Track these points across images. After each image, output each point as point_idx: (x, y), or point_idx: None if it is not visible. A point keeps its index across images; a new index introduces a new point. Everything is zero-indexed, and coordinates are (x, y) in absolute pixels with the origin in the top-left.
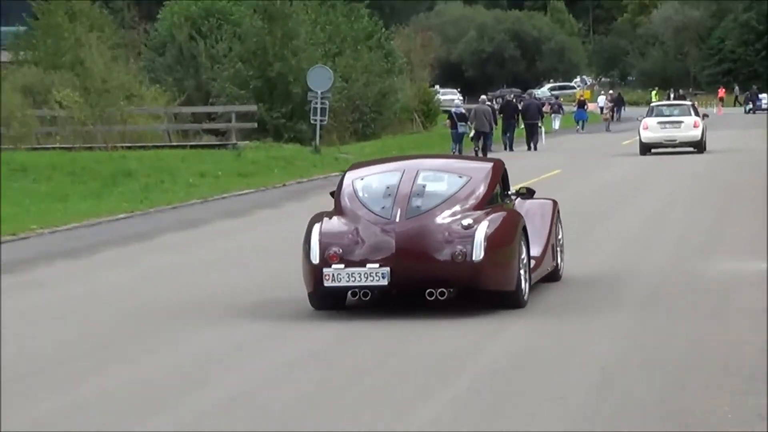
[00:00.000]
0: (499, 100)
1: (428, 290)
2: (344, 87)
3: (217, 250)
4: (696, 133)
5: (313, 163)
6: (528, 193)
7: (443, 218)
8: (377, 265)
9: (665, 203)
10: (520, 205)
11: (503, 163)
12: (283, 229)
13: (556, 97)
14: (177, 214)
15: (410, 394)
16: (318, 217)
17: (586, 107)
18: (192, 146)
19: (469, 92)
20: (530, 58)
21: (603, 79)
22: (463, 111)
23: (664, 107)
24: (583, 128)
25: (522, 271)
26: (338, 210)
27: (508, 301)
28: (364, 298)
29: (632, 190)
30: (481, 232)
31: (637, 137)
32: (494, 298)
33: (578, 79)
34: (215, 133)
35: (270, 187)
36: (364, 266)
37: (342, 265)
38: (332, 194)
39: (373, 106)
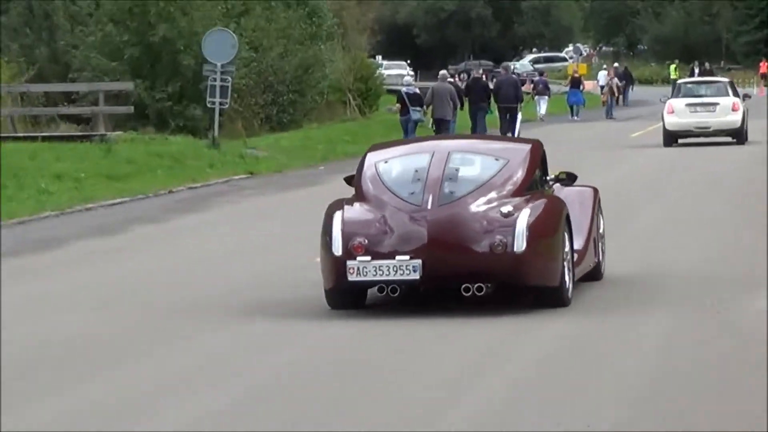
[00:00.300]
0: (465, 76)
1: (464, 285)
2: (252, 58)
3: (73, 282)
4: (735, 119)
5: (210, 162)
6: (568, 179)
7: (478, 205)
8: (408, 257)
9: (696, 227)
10: (557, 192)
11: (542, 144)
12: (173, 254)
13: (541, 73)
14: (23, 232)
15: (433, 400)
16: (337, 205)
17: (581, 86)
18: (45, 138)
19: (424, 66)
20: (506, 19)
21: (604, 49)
22: (417, 91)
23: (694, 85)
24: (577, 115)
25: (566, 265)
26: (360, 196)
27: (551, 298)
28: (392, 294)
29: (647, 203)
30: (523, 220)
31: (660, 124)
32: (535, 295)
33: (570, 48)
34: (77, 120)
35: (151, 195)
36: (394, 258)
37: (368, 257)
38: (347, 180)
39: (292, 85)
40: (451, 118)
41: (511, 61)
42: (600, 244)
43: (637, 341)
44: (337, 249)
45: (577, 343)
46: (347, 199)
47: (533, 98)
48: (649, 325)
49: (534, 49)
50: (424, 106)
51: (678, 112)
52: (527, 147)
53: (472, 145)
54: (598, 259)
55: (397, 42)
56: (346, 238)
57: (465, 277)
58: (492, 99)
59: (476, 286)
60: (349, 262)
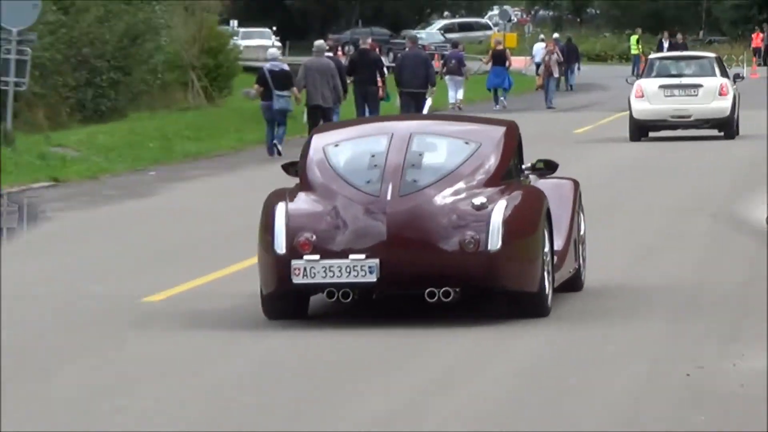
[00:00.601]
0: (350, 48)
1: (428, 289)
2: (61, 22)
3: None
4: (723, 105)
5: None
6: (547, 168)
7: (446, 197)
8: (363, 256)
9: None
10: (533, 183)
11: (518, 127)
12: None
13: (455, 45)
14: None
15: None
16: (279, 196)
17: (507, 63)
18: None
19: (296, 35)
20: None
21: (541, 13)
22: (285, 69)
23: (672, 62)
24: (502, 102)
25: (546, 268)
26: (306, 185)
27: (529, 305)
28: (343, 300)
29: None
30: (498, 214)
31: (619, 115)
32: (510, 302)
33: (495, 11)
34: None
35: None
36: (347, 257)
37: (317, 256)
38: (285, 168)
39: (114, 60)
40: (332, 105)
41: (414, 29)
42: (581, 247)
43: (623, 354)
44: (280, 247)
45: (559, 357)
46: (290, 189)
47: (443, 78)
48: (634, 336)
49: (446, 14)
50: (295, 89)
51: (649, 97)
52: (501, 129)
53: (438, 127)
54: (579, 264)
55: (259, 2)
56: (291, 233)
57: (430, 280)
58: (384, 80)
59: (443, 290)
60: (294, 262)
